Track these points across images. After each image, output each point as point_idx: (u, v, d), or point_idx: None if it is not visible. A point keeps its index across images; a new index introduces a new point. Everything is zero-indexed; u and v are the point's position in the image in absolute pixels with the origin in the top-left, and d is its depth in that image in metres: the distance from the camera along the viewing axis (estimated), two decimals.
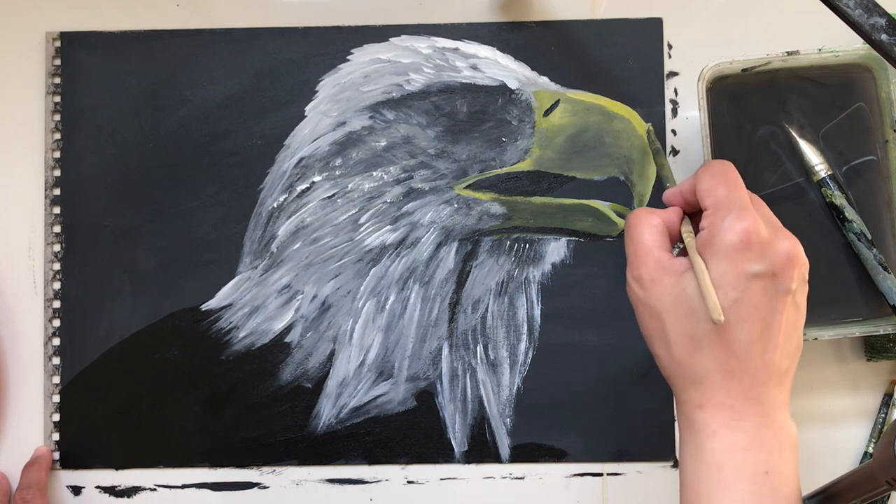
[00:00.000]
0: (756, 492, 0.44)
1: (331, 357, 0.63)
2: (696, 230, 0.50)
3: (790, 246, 0.47)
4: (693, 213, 0.52)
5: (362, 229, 0.63)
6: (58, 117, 0.64)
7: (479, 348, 0.63)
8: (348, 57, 0.64)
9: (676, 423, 0.62)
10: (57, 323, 0.63)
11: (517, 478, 0.63)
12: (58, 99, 0.64)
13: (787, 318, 0.47)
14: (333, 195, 0.63)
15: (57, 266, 0.64)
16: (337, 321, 0.63)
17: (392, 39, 0.64)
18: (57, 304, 0.63)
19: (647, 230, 0.50)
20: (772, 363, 0.46)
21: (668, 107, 0.64)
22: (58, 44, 0.65)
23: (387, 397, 0.63)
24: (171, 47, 0.65)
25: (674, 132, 0.64)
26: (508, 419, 0.63)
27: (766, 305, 0.46)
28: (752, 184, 0.60)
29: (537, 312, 0.63)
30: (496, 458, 0.63)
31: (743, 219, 0.46)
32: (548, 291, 0.63)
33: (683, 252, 0.50)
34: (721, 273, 0.46)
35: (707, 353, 0.47)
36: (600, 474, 0.63)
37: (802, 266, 0.47)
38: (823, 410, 0.62)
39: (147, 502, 0.63)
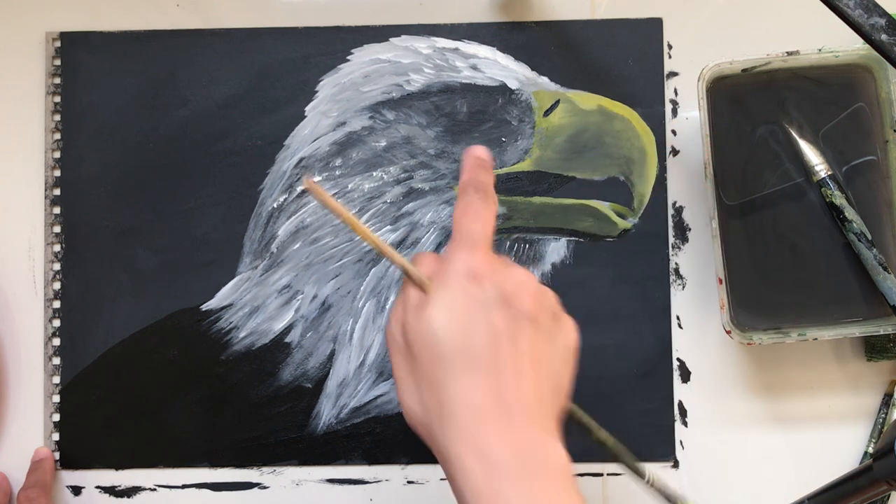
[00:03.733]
0: None
1: (331, 357, 0.63)
2: None
3: (519, 273, 0.46)
4: None
5: None
6: (58, 117, 0.64)
7: None
8: (348, 57, 0.64)
9: (676, 424, 0.62)
10: (57, 323, 0.63)
11: None
12: (58, 99, 0.64)
13: (534, 350, 0.45)
14: (334, 195, 0.63)
15: (57, 266, 0.64)
16: (337, 321, 0.63)
17: (392, 39, 0.64)
18: (57, 304, 0.64)
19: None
20: (520, 393, 0.44)
21: (668, 107, 0.64)
22: (58, 44, 0.65)
23: (387, 397, 0.63)
24: (171, 47, 0.65)
25: (674, 132, 0.64)
26: None
27: (502, 331, 0.44)
28: (752, 184, 0.61)
29: None
30: None
31: (465, 251, 0.46)
32: None
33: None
34: (458, 305, 0.44)
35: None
36: (600, 474, 0.63)
37: (540, 295, 0.46)
38: (823, 410, 0.62)
39: (147, 502, 0.63)
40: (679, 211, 0.63)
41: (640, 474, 0.50)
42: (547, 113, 0.63)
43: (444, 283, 0.45)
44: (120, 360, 0.63)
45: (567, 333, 0.47)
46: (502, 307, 0.44)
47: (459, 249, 0.46)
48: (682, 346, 0.63)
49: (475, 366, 0.43)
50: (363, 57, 0.64)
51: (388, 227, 0.63)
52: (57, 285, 0.64)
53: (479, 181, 0.49)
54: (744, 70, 0.60)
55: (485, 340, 0.44)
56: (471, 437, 0.42)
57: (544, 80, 0.63)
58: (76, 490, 0.63)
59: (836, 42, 0.59)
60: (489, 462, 0.42)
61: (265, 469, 0.63)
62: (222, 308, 0.63)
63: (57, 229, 0.64)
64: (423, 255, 0.48)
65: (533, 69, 0.64)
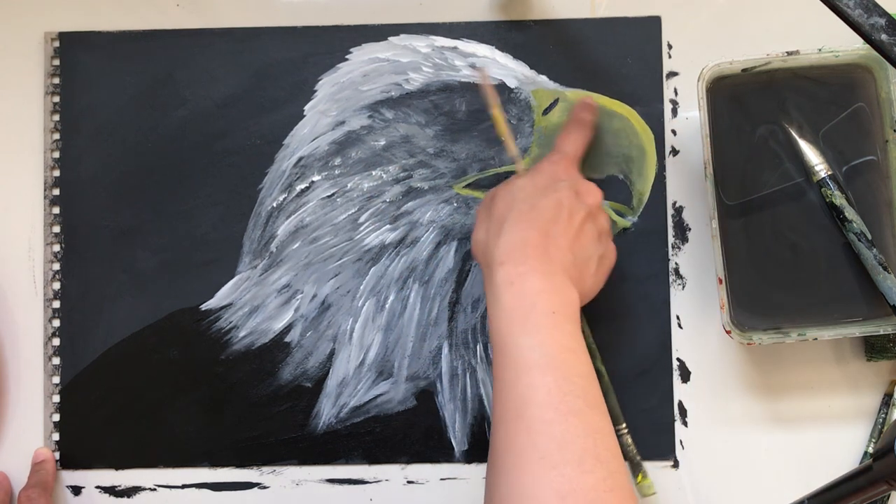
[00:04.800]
0: (545, 325, 0.50)
1: (331, 356, 0.63)
2: None
3: (594, 186, 0.57)
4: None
5: (362, 228, 0.63)
6: (57, 117, 0.64)
7: (479, 347, 0.63)
8: (347, 56, 0.64)
9: (676, 424, 0.62)
10: (57, 323, 0.63)
11: None
12: (57, 99, 0.64)
13: (573, 226, 0.55)
14: (333, 194, 0.63)
15: (57, 266, 0.64)
16: (337, 320, 0.63)
17: (391, 38, 0.64)
18: (57, 304, 0.64)
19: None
20: (558, 251, 0.54)
21: (668, 107, 0.64)
22: (57, 44, 0.64)
23: (387, 397, 0.63)
24: (171, 47, 0.65)
25: (674, 132, 0.64)
26: None
27: (553, 207, 0.54)
28: (752, 184, 0.61)
29: None
30: None
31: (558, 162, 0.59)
32: None
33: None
34: (538, 179, 0.57)
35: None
36: None
37: (600, 207, 0.57)
38: (823, 410, 0.62)
39: (147, 502, 0.63)
40: (679, 211, 0.63)
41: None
42: (546, 112, 0.63)
43: (532, 168, 0.58)
44: (120, 360, 0.63)
45: (609, 251, 0.58)
46: (572, 193, 0.55)
47: (551, 157, 0.59)
48: (682, 345, 0.63)
49: (535, 219, 0.54)
50: (362, 56, 0.64)
51: (388, 225, 0.63)
52: (57, 285, 0.64)
53: (581, 117, 0.61)
54: (744, 70, 0.59)
55: (549, 204, 0.54)
56: (514, 261, 0.52)
57: (543, 78, 0.63)
58: (76, 490, 0.63)
59: (836, 42, 0.59)
60: (521, 289, 0.51)
61: (265, 469, 0.63)
62: (222, 308, 0.63)
63: (56, 229, 0.64)
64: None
65: (532, 68, 0.64)
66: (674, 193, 0.63)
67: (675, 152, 0.64)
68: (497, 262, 0.53)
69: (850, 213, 0.59)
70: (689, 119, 0.63)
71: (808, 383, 0.62)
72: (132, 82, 0.64)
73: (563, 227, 0.54)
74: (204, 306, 0.64)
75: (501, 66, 0.63)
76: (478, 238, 0.56)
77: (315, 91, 0.64)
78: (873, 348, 0.61)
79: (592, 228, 0.56)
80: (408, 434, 0.63)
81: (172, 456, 0.63)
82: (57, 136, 0.64)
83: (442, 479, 0.63)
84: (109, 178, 0.64)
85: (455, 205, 0.63)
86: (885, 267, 0.58)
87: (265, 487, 0.63)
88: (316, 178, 0.63)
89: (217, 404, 0.63)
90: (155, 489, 0.63)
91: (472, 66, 0.63)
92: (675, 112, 0.64)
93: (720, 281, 0.59)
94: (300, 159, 0.64)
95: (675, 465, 0.63)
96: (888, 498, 0.61)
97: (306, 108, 0.64)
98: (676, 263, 0.63)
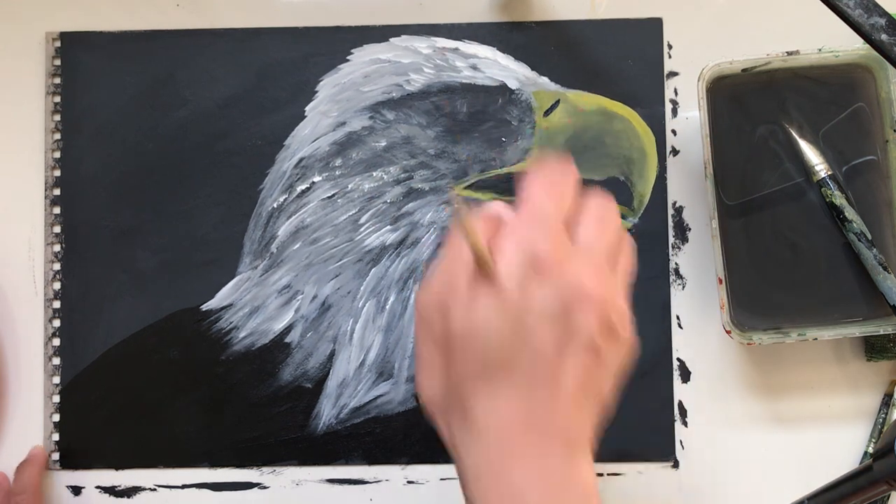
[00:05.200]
0: None
1: (331, 357, 0.63)
2: None
3: (591, 268, 0.41)
4: None
5: (362, 229, 0.63)
6: (58, 117, 0.64)
7: None
8: (348, 57, 0.64)
9: (676, 424, 0.62)
10: (57, 323, 0.63)
11: None
12: (58, 99, 0.64)
13: (583, 371, 0.41)
14: (333, 195, 0.63)
15: (57, 266, 0.64)
16: (337, 321, 0.63)
17: (392, 39, 0.64)
18: (57, 304, 0.63)
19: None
20: (559, 415, 0.41)
21: (668, 107, 0.64)
22: (58, 44, 0.65)
23: (387, 397, 0.63)
24: (171, 47, 0.65)
25: (674, 132, 0.64)
26: None
27: (557, 352, 0.40)
28: (752, 184, 0.61)
29: None
30: None
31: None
32: None
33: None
34: (514, 309, 0.40)
35: None
36: (601, 474, 0.63)
37: (605, 307, 0.40)
38: (823, 410, 0.62)
39: (147, 502, 0.63)
40: (679, 211, 0.63)
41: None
42: (547, 113, 0.63)
43: (505, 272, 0.40)
44: (120, 360, 0.63)
45: (622, 355, 0.42)
46: (559, 320, 0.40)
47: (528, 224, 0.41)
48: (682, 345, 0.63)
49: (515, 382, 0.40)
50: (363, 57, 0.64)
51: (388, 227, 0.63)
52: (57, 285, 0.64)
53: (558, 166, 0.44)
54: (744, 70, 0.60)
55: (532, 357, 0.40)
56: (494, 458, 0.40)
57: (544, 80, 0.63)
58: (76, 490, 0.63)
59: (836, 42, 0.59)
60: (509, 487, 0.40)
61: (265, 469, 0.63)
62: (222, 308, 0.63)
63: (57, 229, 0.64)
64: (487, 214, 0.43)
65: (533, 69, 0.64)
66: (674, 193, 0.63)
67: (675, 152, 0.64)
68: (470, 463, 0.40)
69: (850, 213, 0.59)
70: (689, 119, 0.64)
71: (808, 383, 0.62)
72: (133, 82, 0.64)
73: (554, 384, 0.40)
74: (204, 307, 0.63)
75: (503, 68, 0.63)
76: (431, 393, 0.42)
77: (316, 92, 0.64)
78: (873, 348, 0.61)
79: (596, 360, 0.41)
80: (408, 435, 0.63)
81: (172, 456, 0.63)
82: (58, 136, 0.64)
83: (442, 479, 0.63)
84: (110, 178, 0.64)
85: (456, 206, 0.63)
86: (885, 267, 0.58)
87: (265, 487, 0.63)
88: (317, 178, 0.63)
89: (217, 405, 0.63)
90: (155, 489, 0.63)
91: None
92: (675, 112, 0.64)
93: (720, 281, 0.59)
94: (301, 160, 0.64)
95: (675, 465, 0.62)
96: (888, 498, 0.61)
97: (307, 108, 0.64)
98: (676, 263, 0.63)
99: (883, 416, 0.62)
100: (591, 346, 0.40)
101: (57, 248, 0.64)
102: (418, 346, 0.43)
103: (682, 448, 0.62)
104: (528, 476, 0.40)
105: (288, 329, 0.63)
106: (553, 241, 0.40)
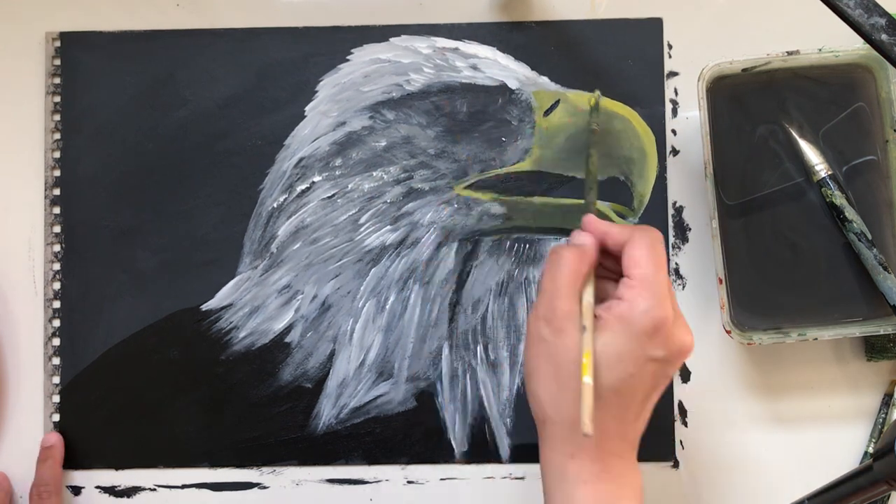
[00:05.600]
0: None
1: (331, 357, 0.63)
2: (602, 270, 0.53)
3: (688, 340, 0.50)
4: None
5: (362, 229, 0.63)
6: (58, 117, 0.64)
7: (480, 348, 0.63)
8: (348, 57, 0.64)
9: (676, 424, 0.62)
10: (57, 323, 0.63)
11: (517, 478, 0.63)
12: (58, 99, 0.64)
13: (659, 393, 0.51)
14: (333, 195, 0.63)
15: (57, 266, 0.64)
16: (337, 321, 0.63)
17: (392, 39, 0.64)
18: (57, 304, 0.63)
19: (574, 277, 0.50)
20: (638, 429, 0.51)
21: (668, 107, 0.64)
22: (58, 44, 0.65)
23: (387, 397, 0.63)
24: (171, 47, 0.65)
25: (674, 132, 0.64)
26: (508, 419, 0.63)
27: (650, 383, 0.50)
28: (752, 184, 0.61)
29: None
30: (496, 458, 0.63)
31: (661, 308, 0.49)
32: None
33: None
34: (627, 349, 0.49)
35: None
36: None
37: (690, 355, 0.51)
38: (823, 410, 0.62)
39: (147, 502, 0.63)
40: (679, 211, 0.63)
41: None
42: (547, 113, 0.63)
43: (624, 330, 0.49)
44: (120, 360, 0.63)
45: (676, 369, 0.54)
46: (660, 364, 0.50)
47: (648, 304, 0.49)
48: None
49: (615, 405, 0.49)
50: (363, 57, 0.64)
51: (388, 226, 0.63)
52: (57, 285, 0.64)
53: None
54: (744, 70, 0.60)
55: (634, 392, 0.49)
56: (585, 454, 0.49)
57: (544, 79, 0.63)
58: (76, 490, 0.63)
59: (836, 42, 0.59)
60: (597, 479, 0.49)
61: (265, 469, 0.63)
62: (222, 308, 0.63)
63: (57, 229, 0.64)
64: (634, 256, 0.51)
65: (533, 69, 0.64)
66: (674, 193, 0.63)
67: (675, 152, 0.64)
68: (567, 452, 0.50)
69: (850, 213, 0.59)
70: (689, 119, 0.64)
71: (808, 383, 0.62)
72: (133, 82, 0.64)
73: (643, 408, 0.51)
74: (204, 307, 0.63)
75: (503, 68, 0.63)
76: (546, 406, 0.51)
77: (316, 92, 0.64)
78: (873, 348, 0.61)
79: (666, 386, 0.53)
80: (408, 435, 0.63)
81: (172, 456, 0.63)
82: (58, 135, 0.64)
83: (442, 480, 0.63)
84: (110, 178, 0.64)
85: (456, 206, 0.63)
86: (885, 267, 0.58)
87: (265, 487, 0.63)
88: (317, 178, 0.63)
89: (217, 404, 0.63)
90: (155, 489, 0.63)
91: (474, 67, 0.63)
92: (675, 112, 0.64)
93: (720, 281, 0.59)
94: (301, 160, 0.64)
95: (675, 465, 0.62)
96: (888, 498, 0.61)
97: (307, 108, 0.64)
98: (677, 263, 0.63)
99: (883, 416, 0.62)
100: (668, 380, 0.51)
101: (57, 248, 0.64)
102: (535, 361, 0.51)
103: (682, 448, 0.63)
104: (601, 482, 0.50)
105: (288, 329, 0.63)
106: (670, 313, 0.50)
